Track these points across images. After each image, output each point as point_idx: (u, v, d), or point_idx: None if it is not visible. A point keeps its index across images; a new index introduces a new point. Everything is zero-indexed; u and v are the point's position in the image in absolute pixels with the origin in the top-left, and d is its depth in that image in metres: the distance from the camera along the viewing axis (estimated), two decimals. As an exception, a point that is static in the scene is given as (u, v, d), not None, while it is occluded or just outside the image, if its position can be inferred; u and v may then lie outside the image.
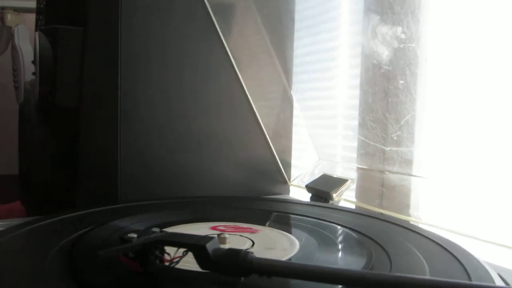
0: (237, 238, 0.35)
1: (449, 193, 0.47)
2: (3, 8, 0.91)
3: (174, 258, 0.26)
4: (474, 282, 0.27)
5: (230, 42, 0.56)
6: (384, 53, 0.51)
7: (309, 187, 0.57)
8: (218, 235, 0.32)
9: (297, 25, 0.66)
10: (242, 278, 0.25)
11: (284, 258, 0.31)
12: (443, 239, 0.35)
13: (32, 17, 0.72)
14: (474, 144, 0.45)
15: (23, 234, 0.36)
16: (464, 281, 0.27)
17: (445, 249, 0.33)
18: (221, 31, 0.55)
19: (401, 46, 0.49)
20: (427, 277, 0.27)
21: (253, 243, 0.34)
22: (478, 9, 0.44)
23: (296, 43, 0.66)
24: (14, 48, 0.89)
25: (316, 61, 0.66)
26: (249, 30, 0.61)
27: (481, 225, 0.42)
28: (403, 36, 0.49)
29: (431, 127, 0.49)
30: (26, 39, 0.89)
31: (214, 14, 0.54)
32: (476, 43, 0.45)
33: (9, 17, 0.93)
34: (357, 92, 0.57)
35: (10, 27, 0.92)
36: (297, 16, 0.66)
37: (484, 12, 0.44)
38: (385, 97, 0.52)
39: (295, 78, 0.66)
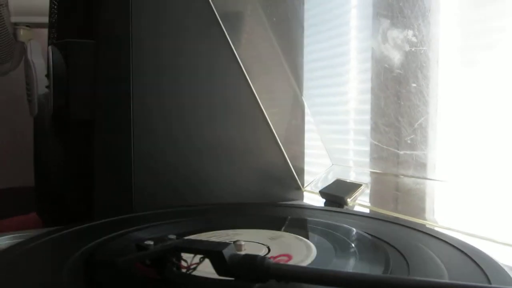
0: (253, 244, 0.35)
1: (465, 196, 0.47)
2: (16, 24, 0.92)
3: (191, 265, 0.26)
4: (494, 285, 0.26)
5: (240, 51, 0.56)
6: (396, 57, 0.51)
7: (323, 193, 0.56)
8: (234, 241, 0.32)
9: (307, 31, 0.66)
10: (259, 284, 0.25)
11: (302, 264, 0.31)
12: (460, 242, 0.35)
13: (44, 32, 0.73)
14: (489, 146, 0.44)
15: (40, 245, 0.36)
16: (485, 284, 0.26)
17: (463, 252, 0.32)
18: (231, 41, 0.56)
19: (413, 49, 0.49)
20: (447, 280, 0.27)
21: (269, 250, 0.34)
22: (490, 9, 0.44)
23: (306, 49, 0.66)
24: (26, 62, 0.91)
25: (326, 66, 0.66)
26: (258, 38, 0.62)
27: (499, 227, 0.41)
28: (414, 39, 0.49)
29: (445, 129, 0.49)
30: (39, 54, 0.91)
31: (224, 24, 0.55)
32: (488, 43, 0.44)
33: (22, 33, 0.94)
34: (368, 96, 0.57)
35: (23, 42, 0.94)
36: (306, 23, 0.67)
37: (496, 12, 0.44)
38: (397, 100, 0.52)
39: (306, 84, 0.66)
